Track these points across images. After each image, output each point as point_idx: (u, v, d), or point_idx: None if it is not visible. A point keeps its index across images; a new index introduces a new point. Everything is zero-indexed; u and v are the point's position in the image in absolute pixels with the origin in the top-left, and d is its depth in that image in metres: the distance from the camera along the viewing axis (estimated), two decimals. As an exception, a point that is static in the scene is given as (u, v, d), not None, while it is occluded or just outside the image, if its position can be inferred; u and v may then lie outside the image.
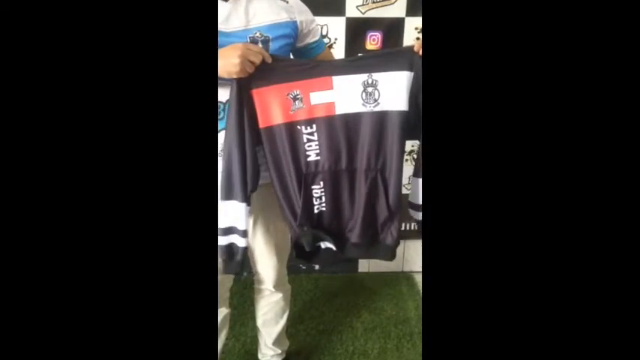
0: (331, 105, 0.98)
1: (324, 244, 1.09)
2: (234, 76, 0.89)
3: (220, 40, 0.92)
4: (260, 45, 0.98)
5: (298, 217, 1.03)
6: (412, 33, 1.77)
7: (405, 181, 2.00)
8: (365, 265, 2.15)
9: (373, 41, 1.78)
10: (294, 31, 1.04)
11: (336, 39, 1.76)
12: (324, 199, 1.04)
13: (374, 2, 1.73)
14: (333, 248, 1.08)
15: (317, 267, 2.12)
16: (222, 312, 1.26)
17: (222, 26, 0.95)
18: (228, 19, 0.96)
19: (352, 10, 1.73)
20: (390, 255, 1.12)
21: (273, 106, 0.96)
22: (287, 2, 1.04)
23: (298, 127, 0.98)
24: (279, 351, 1.45)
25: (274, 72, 0.94)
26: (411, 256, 2.13)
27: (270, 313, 1.36)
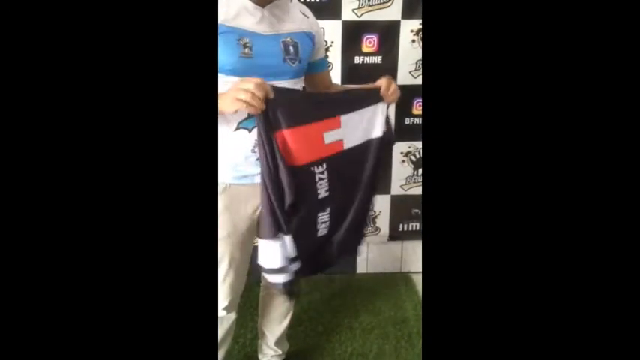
0: (340, 143, 1.04)
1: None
2: (232, 110, 0.89)
3: (257, 42, 0.97)
4: (291, 49, 1.03)
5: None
6: (408, 35, 1.78)
7: (402, 182, 2.02)
8: (363, 266, 2.15)
9: (369, 44, 1.80)
10: (312, 43, 1.10)
11: (332, 42, 1.77)
12: (327, 223, 1.10)
13: (370, 5, 1.74)
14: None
15: (315, 268, 2.12)
16: (231, 317, 1.26)
17: (259, 30, 0.99)
18: (262, 22, 1.00)
19: (348, 13, 1.74)
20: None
21: (296, 149, 0.97)
22: (307, 17, 1.11)
23: (312, 168, 1.01)
24: (280, 352, 1.46)
25: (290, 111, 0.94)
26: (409, 256, 2.14)
27: (276, 312, 1.38)
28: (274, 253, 1.00)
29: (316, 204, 1.05)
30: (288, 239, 1.01)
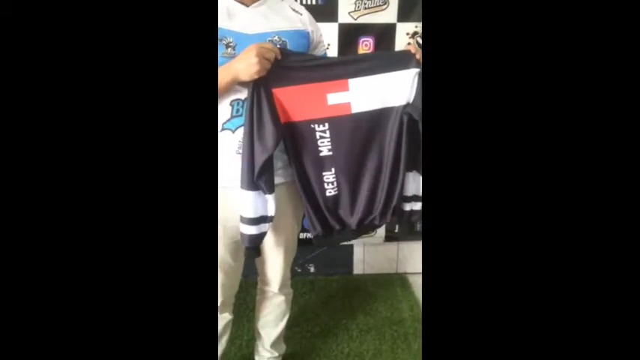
0: (347, 105, 1.04)
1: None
2: (256, 77, 0.92)
3: (241, 41, 0.97)
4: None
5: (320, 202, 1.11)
6: (404, 38, 1.80)
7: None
8: (360, 267, 2.16)
9: (365, 46, 1.81)
10: (307, 41, 1.09)
11: (329, 44, 1.78)
12: (335, 184, 1.12)
13: (366, 8, 1.75)
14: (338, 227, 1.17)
15: (312, 270, 2.13)
16: (226, 318, 1.26)
17: (243, 29, 0.99)
18: (247, 22, 1.01)
19: (344, 16, 1.76)
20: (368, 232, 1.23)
21: (294, 105, 1.02)
22: (301, 14, 1.09)
23: (312, 125, 1.05)
24: (277, 354, 1.46)
25: (292, 72, 0.99)
26: (405, 257, 2.15)
27: (271, 315, 1.37)
28: (248, 203, 1.02)
29: (318, 161, 1.07)
30: (269, 198, 1.03)
